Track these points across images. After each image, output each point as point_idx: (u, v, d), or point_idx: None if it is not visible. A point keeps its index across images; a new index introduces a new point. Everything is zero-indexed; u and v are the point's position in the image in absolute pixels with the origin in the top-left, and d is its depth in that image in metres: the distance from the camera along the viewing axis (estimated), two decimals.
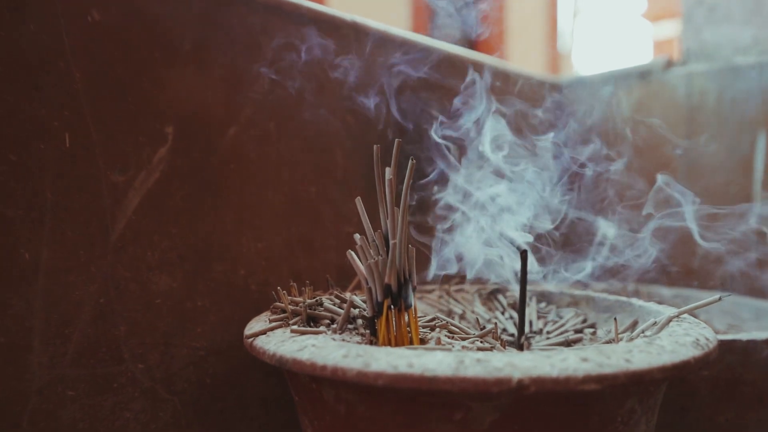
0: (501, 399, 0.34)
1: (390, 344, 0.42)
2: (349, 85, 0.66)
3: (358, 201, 0.46)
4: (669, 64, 1.07)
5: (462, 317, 0.58)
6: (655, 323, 0.46)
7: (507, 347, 0.45)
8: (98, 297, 0.46)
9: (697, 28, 1.10)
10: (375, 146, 0.46)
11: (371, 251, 0.44)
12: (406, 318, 0.44)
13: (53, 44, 0.44)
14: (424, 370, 0.33)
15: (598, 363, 0.34)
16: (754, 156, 0.96)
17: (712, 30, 1.10)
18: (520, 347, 0.40)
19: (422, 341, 0.44)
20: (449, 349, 0.39)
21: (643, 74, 1.07)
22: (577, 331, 0.55)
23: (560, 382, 0.33)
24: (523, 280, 0.40)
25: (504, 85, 0.91)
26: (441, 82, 0.77)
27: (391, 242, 0.42)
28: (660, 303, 0.54)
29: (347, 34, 0.66)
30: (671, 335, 0.40)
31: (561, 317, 0.58)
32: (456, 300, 0.61)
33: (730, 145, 0.98)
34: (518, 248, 0.41)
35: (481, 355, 0.34)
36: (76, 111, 0.45)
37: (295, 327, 0.43)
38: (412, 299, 0.44)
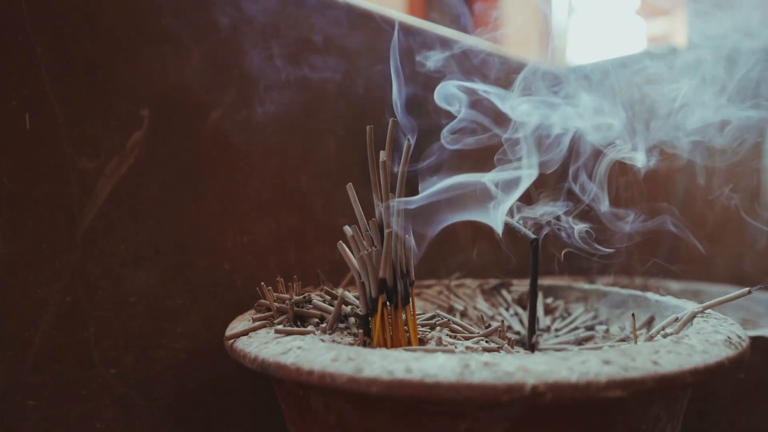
0: (512, 408, 0.30)
1: (385, 345, 0.38)
2: (342, 67, 0.62)
3: (350, 187, 0.42)
4: (672, 50, 1.03)
5: (464, 314, 0.53)
6: (677, 319, 0.41)
7: (514, 347, 0.41)
8: (64, 295, 0.42)
9: (703, 12, 1.06)
10: (368, 127, 0.42)
11: (364, 242, 0.39)
12: (404, 316, 0.40)
13: (10, 14, 0.40)
14: (424, 376, 0.29)
15: (622, 366, 0.30)
16: (762, 143, 0.92)
17: (717, 14, 1.06)
18: (531, 348, 0.36)
19: (421, 341, 0.40)
20: (452, 351, 0.35)
21: (646, 61, 1.03)
22: (588, 329, 0.51)
23: (580, 388, 0.29)
24: (534, 273, 0.36)
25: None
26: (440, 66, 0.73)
27: (385, 232, 0.38)
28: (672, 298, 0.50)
29: (338, 15, 0.62)
30: (699, 333, 0.36)
31: (570, 313, 0.54)
32: (457, 296, 0.57)
33: (735, 132, 0.94)
34: (527, 238, 0.37)
35: (488, 357, 0.30)
36: (37, 90, 0.41)
37: (279, 327, 0.39)
38: (410, 295, 0.40)
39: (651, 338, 0.41)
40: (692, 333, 0.36)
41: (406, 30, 0.69)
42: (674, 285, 0.79)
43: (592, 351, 0.32)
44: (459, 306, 0.54)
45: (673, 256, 0.93)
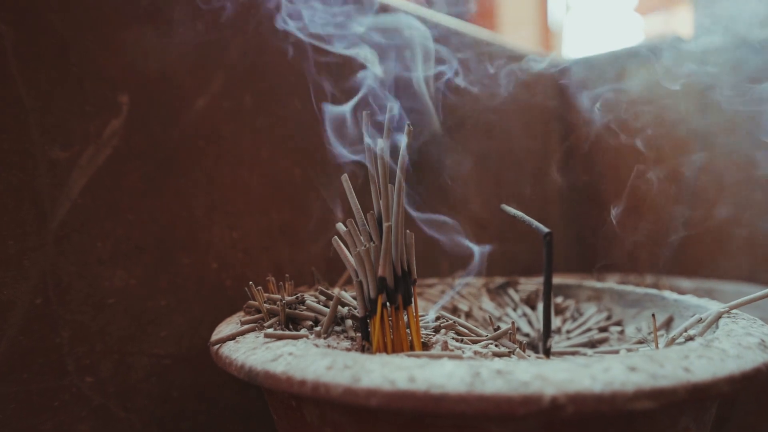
0: (528, 422, 0.27)
1: (386, 350, 0.35)
2: (336, 51, 0.58)
3: (345, 179, 0.38)
4: (679, 41, 1.00)
5: (468, 315, 0.50)
6: (700, 320, 0.38)
7: (526, 351, 0.38)
8: (33, 297, 0.38)
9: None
10: (364, 113, 0.38)
11: (362, 238, 0.36)
12: (405, 318, 0.36)
13: None
14: (430, 386, 0.26)
15: (650, 374, 0.27)
16: None
17: (725, 2, 1.03)
18: (546, 352, 0.32)
19: (425, 346, 0.36)
20: (459, 357, 0.32)
21: (652, 52, 1.00)
22: (601, 330, 0.48)
23: (605, 399, 0.25)
24: (548, 271, 0.32)
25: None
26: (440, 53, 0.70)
27: (384, 226, 0.34)
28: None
29: None
30: (730, 336, 0.32)
31: (581, 313, 0.51)
32: (461, 295, 0.53)
33: (747, 124, 0.91)
34: (538, 231, 0.34)
35: (501, 365, 0.27)
36: (1, 72, 0.37)
37: (269, 331, 0.35)
38: (412, 295, 0.36)
39: (672, 341, 0.38)
40: (722, 336, 0.33)
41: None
42: (686, 283, 0.76)
43: (616, 357, 0.29)
44: (463, 306, 0.51)
45: (682, 251, 0.90)
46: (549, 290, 0.33)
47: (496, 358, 0.34)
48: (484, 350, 0.34)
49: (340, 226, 0.38)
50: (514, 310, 0.52)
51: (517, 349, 0.35)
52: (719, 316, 0.38)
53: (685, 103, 0.95)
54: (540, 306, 0.53)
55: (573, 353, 0.44)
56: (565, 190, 1.02)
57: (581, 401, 0.25)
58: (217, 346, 0.36)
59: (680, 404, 0.28)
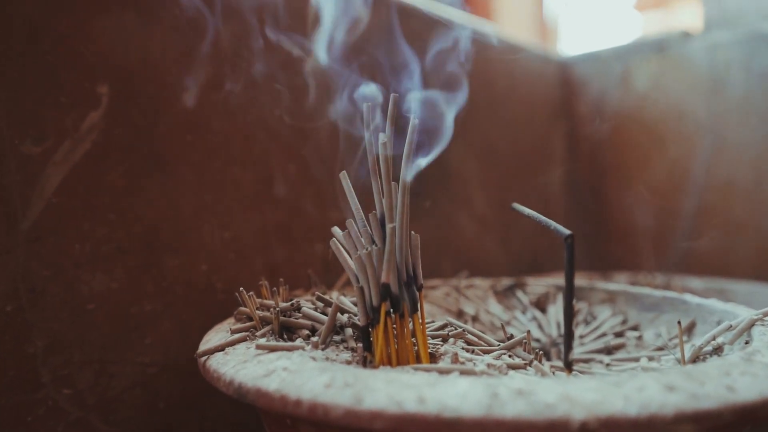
0: None
1: (390, 363, 0.32)
2: (333, 41, 0.55)
3: (343, 176, 0.35)
4: (687, 35, 0.97)
5: (475, 319, 0.47)
6: (730, 327, 0.35)
7: (543, 361, 0.35)
8: (3, 304, 0.35)
9: None
10: (364, 105, 0.35)
11: (362, 240, 0.33)
12: (411, 326, 0.33)
13: None
14: (442, 409, 0.23)
15: (690, 393, 0.24)
16: None
17: None
18: (569, 366, 0.29)
19: (432, 357, 0.33)
20: (472, 371, 0.29)
21: (659, 47, 0.97)
22: (617, 335, 0.45)
23: (641, 424, 0.22)
24: (570, 275, 0.29)
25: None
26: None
27: (388, 227, 0.31)
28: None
29: None
30: None
31: (595, 317, 0.48)
32: (467, 298, 0.50)
33: (759, 119, 0.88)
34: (560, 233, 0.31)
35: (521, 383, 0.24)
36: None
37: (261, 341, 0.32)
38: (418, 302, 0.33)
39: (700, 349, 0.35)
40: (763, 348, 0.30)
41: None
42: (695, 282, 0.73)
43: (650, 374, 0.26)
44: (470, 310, 0.48)
45: (690, 249, 0.88)
46: (570, 297, 0.30)
47: (512, 371, 0.31)
48: (498, 362, 0.31)
49: (337, 230, 0.34)
50: (523, 313, 0.49)
51: (535, 362, 0.32)
52: (752, 324, 0.35)
53: (693, 98, 0.92)
54: (550, 309, 0.50)
55: (588, 360, 0.41)
56: (570, 186, 1.00)
57: (614, 426, 0.22)
58: (204, 358, 0.32)
59: (723, 427, 0.25)
